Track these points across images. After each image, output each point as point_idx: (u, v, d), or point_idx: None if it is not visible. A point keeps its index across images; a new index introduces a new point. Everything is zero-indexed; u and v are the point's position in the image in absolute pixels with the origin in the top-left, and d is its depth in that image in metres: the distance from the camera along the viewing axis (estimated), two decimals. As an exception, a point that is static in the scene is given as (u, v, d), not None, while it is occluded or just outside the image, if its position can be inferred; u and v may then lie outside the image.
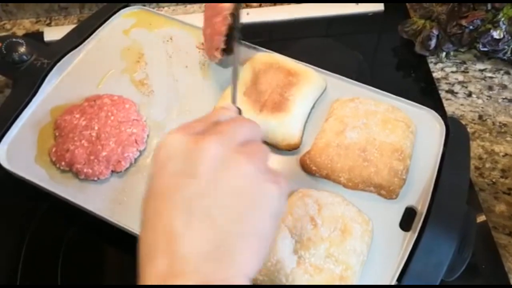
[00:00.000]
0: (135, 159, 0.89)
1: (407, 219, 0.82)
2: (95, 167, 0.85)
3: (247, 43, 1.05)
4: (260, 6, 1.29)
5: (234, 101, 0.76)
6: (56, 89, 0.99)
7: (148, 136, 0.92)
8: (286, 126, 0.89)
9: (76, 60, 1.04)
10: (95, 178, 0.86)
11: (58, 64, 1.00)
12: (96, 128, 0.89)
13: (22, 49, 1.02)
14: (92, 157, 0.85)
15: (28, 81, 0.98)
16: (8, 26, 1.29)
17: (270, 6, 1.29)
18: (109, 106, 0.92)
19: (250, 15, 1.24)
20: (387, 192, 0.83)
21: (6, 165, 0.88)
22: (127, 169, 0.88)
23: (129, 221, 0.81)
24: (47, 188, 0.86)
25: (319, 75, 0.97)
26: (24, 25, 1.29)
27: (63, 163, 0.86)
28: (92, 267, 0.87)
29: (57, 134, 0.91)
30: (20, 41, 1.03)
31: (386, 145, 0.84)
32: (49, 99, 0.97)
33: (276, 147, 0.89)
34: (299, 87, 0.93)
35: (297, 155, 0.90)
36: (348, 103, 0.91)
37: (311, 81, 0.94)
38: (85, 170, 0.85)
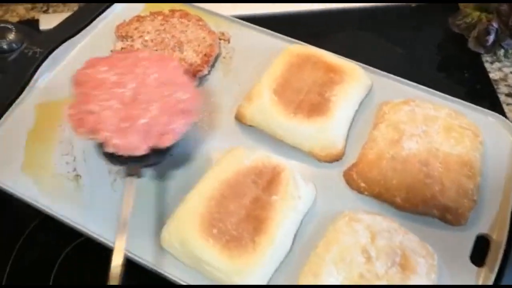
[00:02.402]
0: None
1: (479, 251, 0.66)
2: (130, 137, 0.61)
3: (274, 33, 0.89)
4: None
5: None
6: (50, 84, 0.83)
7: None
8: (327, 132, 0.73)
9: (73, 50, 0.88)
10: (128, 154, 0.62)
11: (53, 54, 0.84)
12: (130, 86, 0.65)
13: (11, 36, 0.87)
14: (125, 124, 0.62)
15: (17, 73, 0.82)
16: (0, 13, 1.13)
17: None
18: (148, 61, 0.69)
19: (275, 4, 1.08)
20: (454, 216, 0.67)
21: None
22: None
23: (144, 253, 0.66)
24: (36, 205, 0.70)
25: (365, 73, 0.81)
26: (18, 11, 1.13)
27: (82, 129, 0.62)
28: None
29: (76, 92, 0.66)
30: (9, 26, 0.88)
31: (452, 158, 0.69)
32: (41, 96, 0.81)
33: (314, 157, 0.74)
34: (342, 86, 0.77)
35: (339, 168, 0.74)
36: (402, 107, 0.76)
37: (356, 79, 0.79)
38: (114, 140, 0.61)
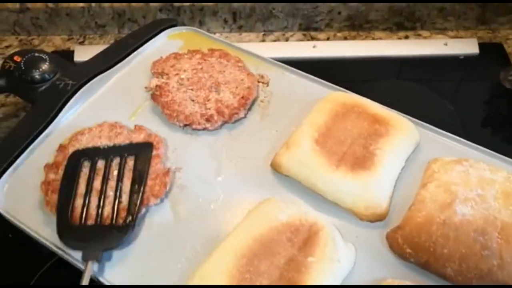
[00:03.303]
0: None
1: None
2: None
3: (315, 77, 0.85)
4: (327, 39, 1.10)
5: None
6: (78, 118, 0.80)
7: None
8: (372, 189, 0.67)
9: (107, 84, 0.85)
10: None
11: (85, 87, 0.81)
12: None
13: (44, 66, 0.84)
14: None
15: (46, 104, 0.79)
16: (36, 42, 1.12)
17: (339, 40, 1.10)
18: None
19: (317, 49, 1.04)
20: (514, 296, 0.59)
21: (3, 210, 0.68)
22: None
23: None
24: (51, 247, 0.65)
25: (413, 126, 0.75)
26: (54, 41, 1.12)
27: None
28: None
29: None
30: (43, 56, 0.85)
31: (512, 229, 0.61)
32: (68, 128, 0.77)
33: (355, 215, 0.67)
34: (389, 139, 0.71)
35: (382, 229, 0.67)
36: (454, 166, 0.69)
37: (404, 132, 0.73)
38: None
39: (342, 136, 0.71)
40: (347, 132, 0.72)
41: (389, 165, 0.69)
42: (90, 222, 0.66)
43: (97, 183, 0.69)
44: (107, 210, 0.67)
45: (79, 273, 0.61)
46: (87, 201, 0.67)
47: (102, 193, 0.68)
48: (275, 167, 0.72)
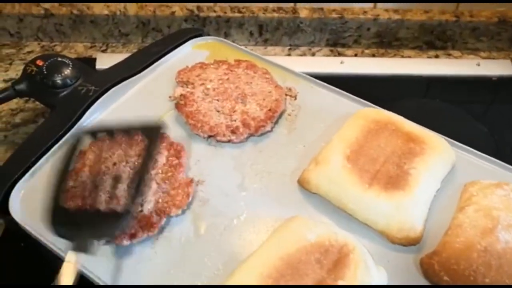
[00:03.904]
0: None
1: None
2: None
3: (345, 92, 0.82)
4: (355, 56, 1.07)
5: None
6: (99, 125, 0.77)
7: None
8: (406, 211, 0.63)
9: (129, 91, 0.83)
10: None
11: (107, 93, 0.79)
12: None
13: (67, 71, 0.82)
14: None
15: (67, 109, 0.76)
16: (58, 49, 1.10)
17: (366, 57, 1.07)
18: None
19: (344, 65, 1.02)
20: (561, 332, 0.54)
21: (18, 218, 0.65)
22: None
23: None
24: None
25: (449, 146, 0.71)
26: (76, 48, 1.10)
27: None
28: None
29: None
30: (66, 61, 0.83)
31: (559, 259, 0.57)
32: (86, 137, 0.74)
33: (387, 238, 0.63)
34: (424, 158, 0.67)
35: (415, 254, 0.63)
36: (494, 190, 0.65)
37: (440, 152, 0.69)
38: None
39: (374, 153, 0.68)
40: (380, 149, 0.68)
41: (425, 185, 0.66)
42: (84, 206, 0.60)
43: (97, 164, 0.65)
44: (105, 195, 0.62)
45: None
46: (85, 183, 0.63)
47: (101, 175, 0.63)
48: (303, 184, 0.69)
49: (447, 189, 0.69)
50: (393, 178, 0.65)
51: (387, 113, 0.75)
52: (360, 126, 0.71)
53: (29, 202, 0.67)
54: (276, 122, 0.78)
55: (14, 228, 0.65)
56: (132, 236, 0.62)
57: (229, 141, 0.74)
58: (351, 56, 1.07)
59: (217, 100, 0.77)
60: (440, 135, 0.74)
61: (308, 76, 0.85)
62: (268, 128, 0.76)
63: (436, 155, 0.68)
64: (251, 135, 0.75)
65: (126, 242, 0.62)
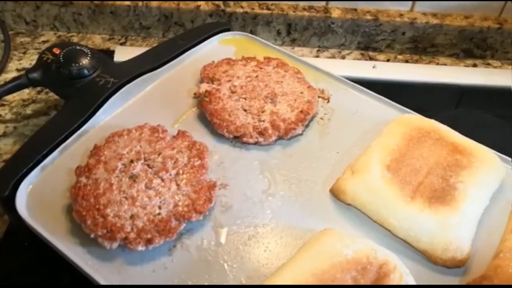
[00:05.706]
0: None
1: None
2: None
3: (382, 97, 0.76)
4: (387, 61, 1.01)
5: None
6: (117, 119, 0.72)
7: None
8: (452, 229, 0.57)
9: (150, 86, 0.77)
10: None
11: (127, 86, 0.73)
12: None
13: (85, 61, 0.77)
14: None
15: (83, 101, 0.71)
16: (75, 39, 1.06)
17: (399, 63, 1.01)
18: None
19: (377, 70, 0.96)
20: None
21: (25, 215, 0.59)
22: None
23: None
24: (74, 261, 0.56)
25: (499, 159, 0.65)
26: (94, 40, 1.06)
27: None
28: None
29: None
30: (85, 50, 0.78)
31: None
32: (106, 129, 0.69)
33: (429, 258, 0.57)
34: (472, 171, 0.61)
35: (460, 277, 0.57)
36: (550, 210, 0.59)
37: (489, 166, 0.63)
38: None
39: (417, 163, 0.62)
40: (423, 159, 0.62)
41: (473, 201, 0.59)
42: None
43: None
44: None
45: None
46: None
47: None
48: (337, 194, 0.63)
49: (495, 207, 0.63)
50: (437, 191, 0.59)
51: (430, 121, 0.69)
52: (401, 133, 0.65)
53: (36, 198, 0.62)
54: (307, 126, 0.72)
55: (19, 225, 0.60)
56: (148, 241, 0.56)
57: (256, 143, 0.68)
58: (383, 61, 1.01)
59: (245, 98, 0.72)
60: (486, 147, 0.68)
61: (343, 79, 0.79)
62: (299, 131, 0.70)
63: (485, 169, 0.62)
64: (280, 138, 0.69)
65: (141, 248, 0.56)
